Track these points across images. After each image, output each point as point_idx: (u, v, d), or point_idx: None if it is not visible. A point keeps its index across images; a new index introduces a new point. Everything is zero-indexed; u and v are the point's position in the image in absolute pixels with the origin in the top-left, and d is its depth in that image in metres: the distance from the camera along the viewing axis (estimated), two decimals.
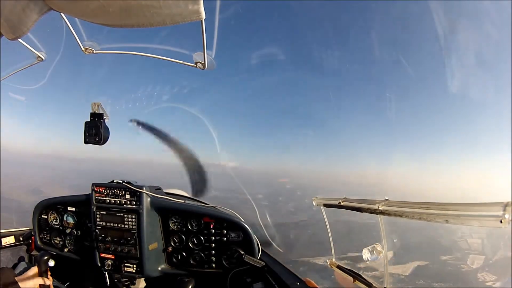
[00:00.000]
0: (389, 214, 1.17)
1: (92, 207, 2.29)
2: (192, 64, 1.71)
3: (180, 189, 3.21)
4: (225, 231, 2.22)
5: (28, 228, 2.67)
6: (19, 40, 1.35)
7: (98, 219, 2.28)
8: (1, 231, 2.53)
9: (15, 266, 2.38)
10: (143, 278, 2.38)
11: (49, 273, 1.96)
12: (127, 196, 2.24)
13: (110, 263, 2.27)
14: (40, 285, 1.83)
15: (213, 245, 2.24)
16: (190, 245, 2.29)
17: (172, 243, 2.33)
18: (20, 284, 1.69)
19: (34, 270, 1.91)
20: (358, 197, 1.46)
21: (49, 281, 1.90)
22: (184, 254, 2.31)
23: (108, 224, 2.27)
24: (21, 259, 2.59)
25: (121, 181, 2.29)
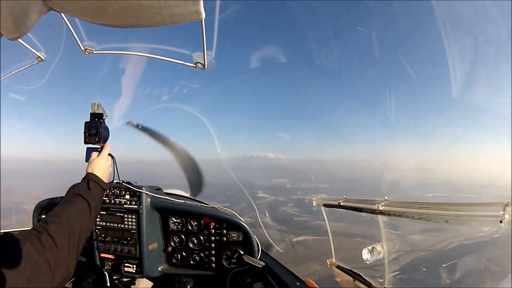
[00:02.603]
0: (389, 214, 1.17)
1: None
2: (192, 65, 1.71)
3: (180, 189, 3.21)
4: (225, 231, 2.22)
5: (28, 228, 2.67)
6: (19, 40, 1.35)
7: (98, 219, 2.28)
8: (1, 231, 2.53)
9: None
10: (143, 278, 2.37)
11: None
12: (127, 196, 2.25)
13: (110, 263, 2.27)
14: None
15: (213, 245, 2.24)
16: (190, 245, 2.29)
17: (172, 243, 2.33)
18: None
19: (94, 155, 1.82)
20: (358, 196, 1.46)
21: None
22: (184, 254, 2.31)
23: (108, 224, 2.27)
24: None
25: (120, 181, 2.29)
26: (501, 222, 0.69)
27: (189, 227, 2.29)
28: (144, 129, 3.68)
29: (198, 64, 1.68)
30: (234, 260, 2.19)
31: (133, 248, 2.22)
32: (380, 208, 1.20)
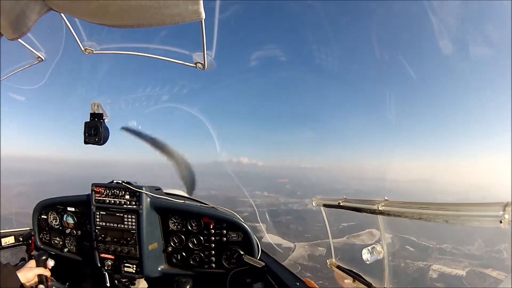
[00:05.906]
0: (388, 214, 1.17)
1: (92, 207, 2.28)
2: (192, 64, 1.71)
3: (179, 189, 3.20)
4: (225, 231, 2.22)
5: (28, 228, 2.67)
6: (19, 40, 1.35)
7: (98, 219, 2.28)
8: (1, 231, 2.52)
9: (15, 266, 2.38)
10: (143, 278, 2.37)
11: (48, 267, 1.98)
12: (127, 196, 2.24)
13: (110, 263, 2.27)
14: (38, 275, 1.86)
15: (213, 245, 2.24)
16: (190, 245, 2.29)
17: (172, 243, 2.33)
18: (19, 275, 1.71)
19: (32, 263, 1.94)
20: (357, 197, 1.46)
21: (47, 272, 1.93)
22: (184, 254, 2.31)
23: (107, 224, 2.26)
24: (21, 259, 2.59)
25: (120, 181, 2.28)
26: (501, 222, 0.69)
27: (189, 227, 2.28)
28: (138, 134, 3.73)
29: (198, 64, 1.69)
30: (234, 260, 2.19)
31: (133, 248, 2.21)
32: (380, 208, 1.19)
